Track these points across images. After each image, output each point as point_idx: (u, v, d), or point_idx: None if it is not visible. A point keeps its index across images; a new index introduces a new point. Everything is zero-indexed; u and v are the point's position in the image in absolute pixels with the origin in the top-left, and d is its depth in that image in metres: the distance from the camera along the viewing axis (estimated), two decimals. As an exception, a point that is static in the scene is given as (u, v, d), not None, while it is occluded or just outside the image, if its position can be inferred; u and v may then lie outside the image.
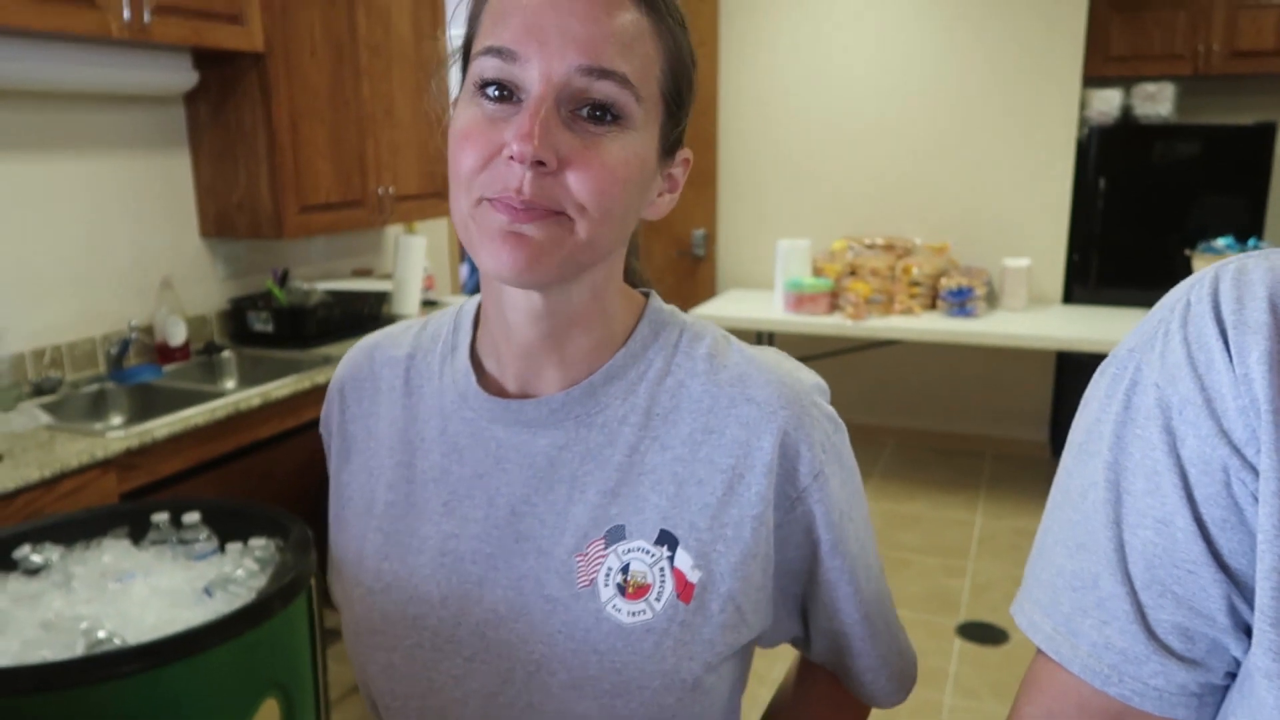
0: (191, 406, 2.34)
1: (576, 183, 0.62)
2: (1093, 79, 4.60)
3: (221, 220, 2.95)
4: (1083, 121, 4.47)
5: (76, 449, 2.06)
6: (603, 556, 0.69)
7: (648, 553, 0.69)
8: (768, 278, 4.69)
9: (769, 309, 4.26)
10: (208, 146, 2.92)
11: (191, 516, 1.56)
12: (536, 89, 0.62)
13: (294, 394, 2.56)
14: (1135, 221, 4.45)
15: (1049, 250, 4.41)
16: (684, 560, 0.68)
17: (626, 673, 0.67)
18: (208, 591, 1.43)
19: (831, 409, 0.75)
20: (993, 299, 4.31)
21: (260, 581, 1.44)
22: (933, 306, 4.17)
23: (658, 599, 0.68)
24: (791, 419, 0.70)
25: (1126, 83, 4.61)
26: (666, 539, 0.69)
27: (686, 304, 4.59)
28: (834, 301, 4.18)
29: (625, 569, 0.68)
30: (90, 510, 1.63)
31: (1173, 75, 4.58)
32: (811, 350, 4.65)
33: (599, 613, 0.68)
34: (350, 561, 0.78)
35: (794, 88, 4.63)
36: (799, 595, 0.76)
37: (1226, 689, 0.60)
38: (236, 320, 3.06)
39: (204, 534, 1.58)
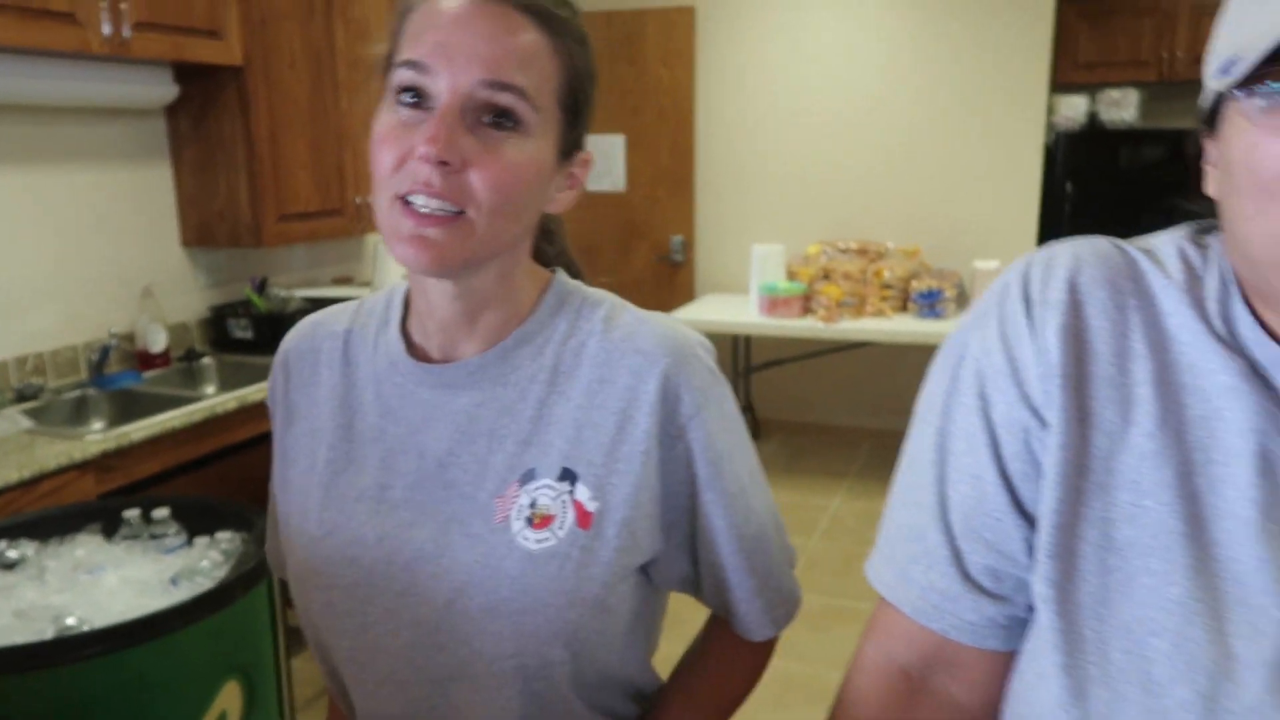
0: (170, 410, 2.42)
1: (477, 181, 0.72)
2: (1060, 85, 4.70)
3: (202, 230, 3.03)
4: (1050, 127, 4.57)
5: (55, 451, 2.13)
6: (516, 495, 0.78)
7: (552, 488, 0.78)
8: (744, 282, 4.78)
9: (745, 312, 4.34)
10: (188, 158, 3.00)
11: (161, 512, 1.64)
12: (444, 98, 0.71)
13: (271, 398, 2.64)
14: (1101, 224, 4.54)
15: (1018, 252, 4.49)
16: (583, 493, 0.78)
17: (534, 593, 0.76)
18: (174, 581, 1.50)
19: (715, 366, 0.85)
20: (963, 300, 4.39)
21: (225, 572, 1.52)
22: (904, 309, 4.26)
23: (561, 527, 0.77)
24: (672, 365, 0.80)
25: (1093, 89, 4.71)
26: (568, 475, 0.79)
27: (665, 307, 4.68)
28: (807, 304, 4.26)
29: (533, 504, 0.78)
30: (65, 507, 1.70)
31: (1138, 81, 4.69)
32: (786, 352, 4.74)
33: (511, 543, 0.77)
34: (295, 514, 0.87)
35: (768, 98, 4.72)
36: (688, 534, 0.84)
37: (1028, 621, 0.68)
38: (217, 327, 3.13)
39: (173, 529, 1.65)
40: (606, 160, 4.97)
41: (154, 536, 1.64)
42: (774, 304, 4.24)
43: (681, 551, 0.86)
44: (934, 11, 4.41)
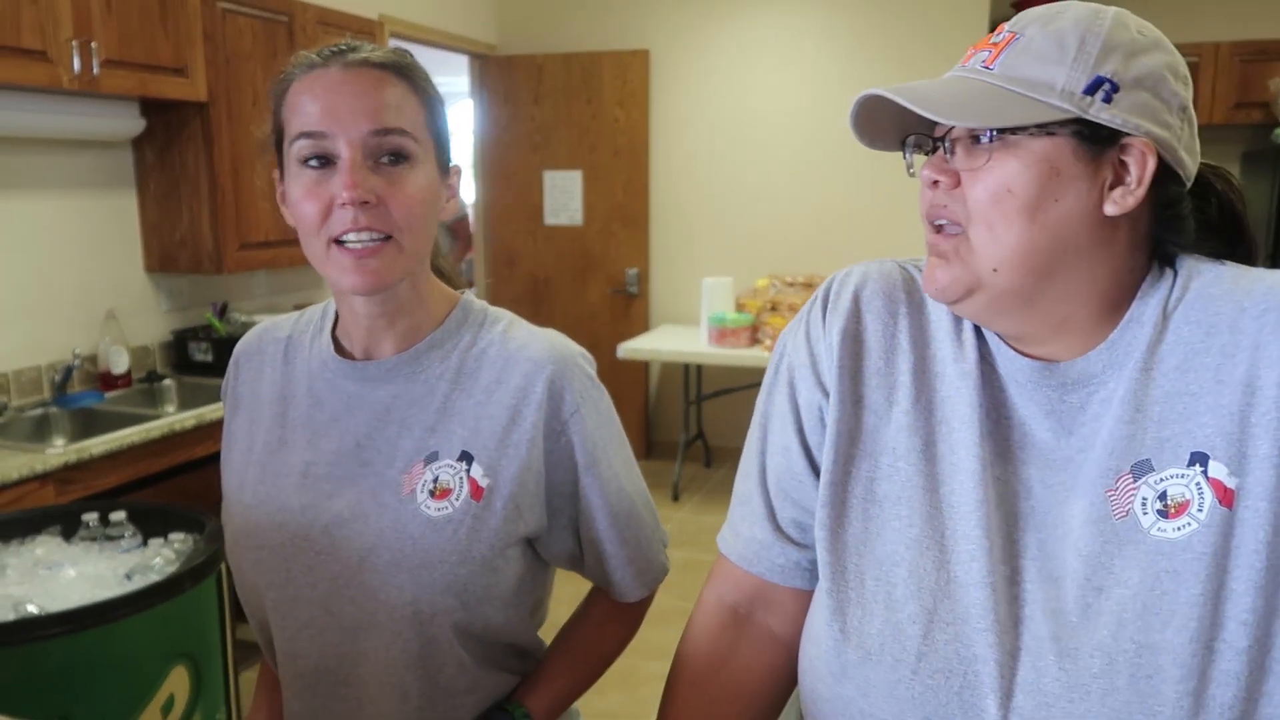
0: (130, 427, 2.53)
1: (394, 210, 0.90)
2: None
3: (165, 256, 3.15)
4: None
5: (17, 464, 2.24)
6: (421, 473, 0.94)
7: (452, 467, 0.94)
8: (696, 314, 4.95)
9: (696, 343, 4.51)
10: (153, 187, 3.13)
11: (118, 515, 1.75)
12: (346, 153, 0.88)
13: (228, 417, 2.75)
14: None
15: (957, 287, 4.70)
16: (477, 471, 0.94)
17: (432, 552, 0.92)
18: (128, 576, 1.62)
19: (594, 374, 1.02)
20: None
21: (175, 567, 1.63)
22: (847, 339, 4.43)
23: (457, 499, 0.93)
24: (557, 370, 0.97)
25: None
26: (466, 457, 0.95)
27: (621, 337, 4.84)
28: (755, 335, 4.44)
29: (436, 479, 0.94)
30: (26, 511, 1.81)
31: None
32: (735, 381, 4.91)
33: (415, 511, 0.93)
34: (233, 488, 1.02)
35: (719, 136, 4.93)
36: (572, 516, 1.00)
37: None
38: (178, 350, 3.24)
39: (129, 531, 1.77)
40: (565, 195, 5.14)
41: (110, 538, 1.75)
42: (723, 334, 4.41)
43: (567, 531, 1.01)
44: (879, 51, 4.64)
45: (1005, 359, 0.77)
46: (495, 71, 5.14)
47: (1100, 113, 0.68)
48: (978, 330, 0.79)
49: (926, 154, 0.77)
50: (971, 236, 0.72)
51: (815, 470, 0.84)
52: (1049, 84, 0.69)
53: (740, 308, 4.58)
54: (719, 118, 4.92)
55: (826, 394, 0.82)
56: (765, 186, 4.90)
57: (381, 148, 0.89)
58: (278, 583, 0.95)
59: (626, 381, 5.11)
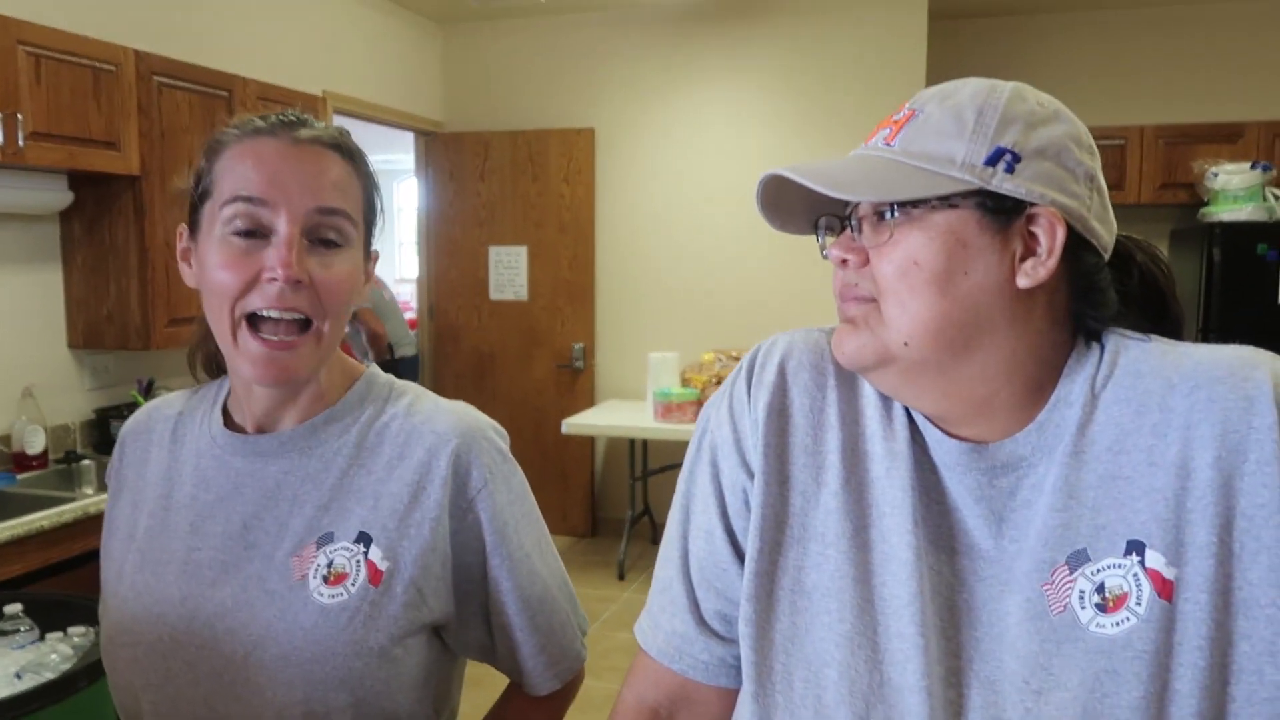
0: (39, 511, 2.40)
1: (322, 294, 0.85)
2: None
3: (90, 332, 3.05)
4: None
5: (-87, 552, 2.10)
6: (314, 556, 0.87)
7: (348, 549, 0.87)
8: (642, 388, 4.92)
9: (641, 417, 4.47)
10: (80, 261, 3.04)
11: (13, 608, 1.64)
12: (286, 228, 0.84)
13: (149, 499, 2.63)
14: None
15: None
16: (375, 553, 0.87)
17: (325, 643, 0.84)
18: (19, 675, 1.50)
19: (506, 449, 0.96)
20: (849, 407, 4.59)
21: (72, 664, 1.52)
22: (793, 414, 4.43)
23: (353, 584, 0.86)
24: (463, 444, 0.91)
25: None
26: (363, 538, 0.88)
27: (567, 412, 4.78)
28: (699, 410, 4.40)
29: (330, 563, 0.87)
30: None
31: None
32: (681, 457, 4.85)
33: (307, 599, 0.85)
34: (111, 579, 0.94)
35: (664, 212, 4.97)
36: (481, 602, 0.93)
37: None
38: (100, 429, 3.12)
39: (25, 625, 1.65)
40: (510, 271, 5.13)
41: (3, 633, 1.64)
42: (668, 409, 4.37)
43: (477, 619, 0.94)
44: (822, 130, 4.75)
45: (934, 439, 0.73)
46: (441, 148, 5.16)
47: (1002, 183, 0.67)
48: (907, 407, 0.75)
49: (836, 234, 0.76)
50: (883, 310, 0.70)
51: (740, 558, 0.78)
52: (949, 157, 0.68)
53: (686, 382, 4.56)
54: (664, 194, 4.97)
55: (751, 474, 0.77)
56: (710, 261, 4.94)
57: (322, 227, 0.86)
58: (155, 682, 0.87)
59: (572, 457, 5.04)
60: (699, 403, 4.39)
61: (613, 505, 5.14)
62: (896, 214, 0.69)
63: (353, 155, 0.90)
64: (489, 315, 5.18)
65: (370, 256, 0.96)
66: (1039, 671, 0.65)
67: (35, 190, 2.82)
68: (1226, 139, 4.62)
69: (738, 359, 4.76)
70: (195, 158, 0.91)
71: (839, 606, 0.71)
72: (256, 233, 0.84)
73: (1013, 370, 0.70)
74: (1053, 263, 0.68)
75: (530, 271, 5.10)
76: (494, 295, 5.15)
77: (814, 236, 0.79)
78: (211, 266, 0.85)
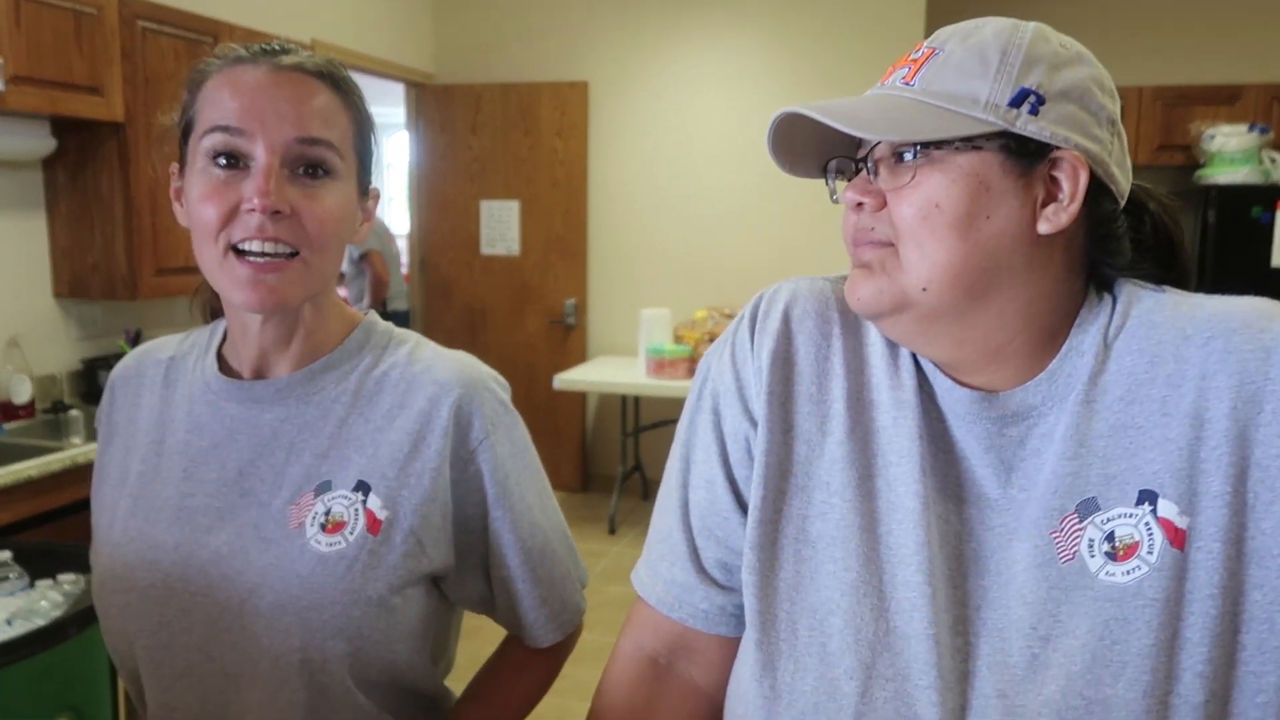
0: (27, 460, 2.38)
1: (307, 224, 0.82)
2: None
3: (76, 281, 3.00)
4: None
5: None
6: (311, 504, 0.86)
7: (346, 498, 0.86)
8: (634, 345, 4.91)
9: (633, 374, 4.46)
10: (65, 210, 2.99)
11: (2, 555, 1.63)
12: (264, 157, 0.81)
13: (138, 450, 2.61)
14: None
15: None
16: (374, 502, 0.86)
17: (322, 591, 0.83)
18: (9, 622, 1.50)
19: (507, 400, 0.95)
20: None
21: (63, 611, 1.52)
22: (785, 372, 4.43)
23: (351, 532, 0.85)
24: (465, 395, 0.89)
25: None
26: (362, 486, 0.86)
27: (558, 368, 4.77)
28: (693, 367, 4.40)
29: (328, 512, 0.85)
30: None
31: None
32: (672, 413, 4.86)
33: (304, 547, 0.84)
34: (103, 525, 0.92)
35: (658, 168, 4.92)
36: (482, 555, 0.92)
37: None
38: (88, 379, 3.09)
39: (15, 572, 1.64)
40: (502, 226, 5.08)
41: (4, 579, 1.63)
42: (661, 366, 4.37)
43: (477, 571, 0.93)
44: (817, 84, 4.69)
45: (943, 388, 0.72)
46: (432, 101, 5.08)
47: (1027, 125, 0.65)
48: (915, 355, 0.74)
49: (848, 178, 0.73)
50: (901, 254, 0.68)
51: (742, 507, 0.77)
52: (972, 97, 0.66)
53: (678, 339, 4.55)
54: (658, 149, 4.91)
55: (754, 422, 0.76)
56: (704, 218, 4.90)
57: (303, 158, 0.83)
58: (149, 628, 0.85)
59: (563, 413, 5.04)
60: (691, 359, 4.38)
61: (604, 461, 5.15)
62: (918, 155, 0.67)
63: (340, 84, 0.87)
64: (480, 271, 5.14)
65: (370, 194, 0.93)
66: (1046, 618, 0.65)
67: (17, 136, 2.76)
68: (1225, 101, 4.59)
69: (730, 316, 4.74)
70: (180, 92, 0.88)
71: (844, 555, 0.70)
72: (237, 163, 0.81)
73: (1028, 318, 0.69)
74: (1075, 208, 0.67)
75: (522, 227, 5.05)
76: (485, 250, 5.11)
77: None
78: (193, 200, 0.83)
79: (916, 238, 0.67)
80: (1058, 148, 0.66)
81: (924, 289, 0.67)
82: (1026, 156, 0.67)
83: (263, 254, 0.81)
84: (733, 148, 4.81)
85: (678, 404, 4.92)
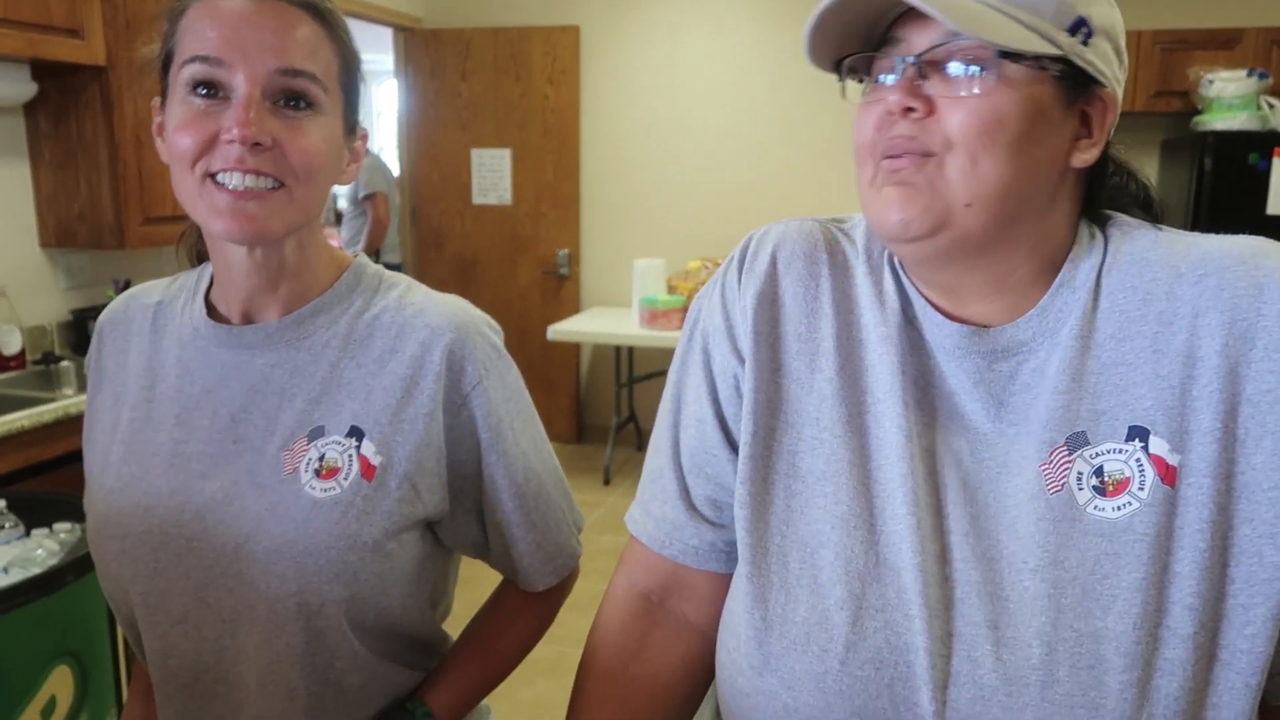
0: (19, 411, 2.37)
1: (291, 155, 0.80)
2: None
3: (62, 231, 2.96)
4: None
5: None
6: (305, 450, 0.85)
7: (340, 444, 0.85)
8: (627, 295, 4.89)
9: (627, 324, 4.45)
10: (48, 157, 2.94)
11: (17, 500, 1.63)
12: (244, 88, 0.79)
13: (130, 400, 2.60)
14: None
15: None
16: (369, 448, 0.85)
17: (317, 536, 0.83)
18: (5, 570, 1.50)
19: (500, 344, 0.94)
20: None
21: (59, 560, 1.52)
22: (778, 322, 4.42)
23: (345, 478, 0.84)
24: (457, 339, 0.88)
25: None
26: (355, 432, 0.85)
27: (551, 319, 4.75)
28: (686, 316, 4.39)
29: (322, 457, 0.85)
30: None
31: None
32: (666, 363, 4.85)
33: (299, 492, 0.84)
34: (96, 471, 0.92)
35: (651, 116, 4.86)
36: (475, 499, 0.92)
37: None
38: (78, 331, 3.06)
39: (10, 521, 1.64)
40: (494, 175, 5.02)
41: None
42: (654, 316, 4.35)
43: (470, 516, 0.93)
44: (806, 39, 4.62)
45: (932, 324, 0.72)
46: (421, 46, 4.99)
47: (1083, 54, 0.65)
48: (902, 293, 0.74)
49: (860, 80, 0.71)
50: (947, 166, 0.65)
51: (731, 444, 0.77)
52: (1038, 13, 0.64)
53: (672, 290, 4.53)
54: (651, 96, 4.85)
55: (743, 360, 0.76)
56: (697, 168, 4.85)
57: (285, 89, 0.80)
58: (145, 574, 0.85)
59: (557, 364, 5.03)
60: (684, 310, 4.37)
61: (598, 412, 5.16)
62: (988, 66, 0.64)
63: (325, 16, 0.84)
64: (472, 220, 5.09)
65: (357, 134, 0.90)
66: (1035, 550, 0.66)
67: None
68: (1223, 45, 4.53)
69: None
70: (160, 24, 0.85)
71: (835, 489, 0.71)
72: (217, 94, 0.79)
73: (1036, 248, 0.69)
74: (1100, 147, 0.67)
75: (514, 175, 5.00)
76: (477, 199, 5.06)
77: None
78: (171, 130, 0.81)
79: (971, 150, 0.64)
80: (1101, 84, 0.66)
81: (967, 205, 0.65)
82: (1076, 88, 0.66)
83: (244, 188, 0.79)
84: (727, 94, 4.74)
85: (671, 354, 4.86)
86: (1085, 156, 0.68)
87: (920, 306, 0.73)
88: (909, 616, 0.66)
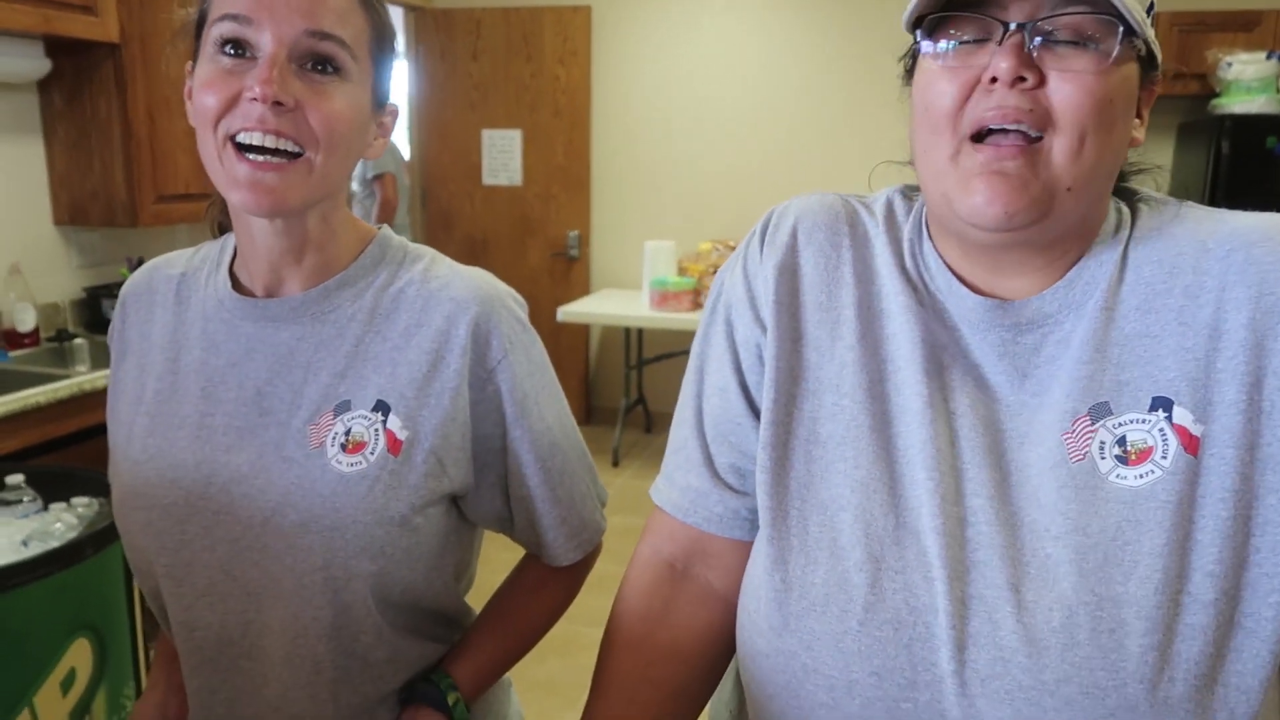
0: (35, 387, 2.38)
1: (313, 120, 0.79)
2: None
3: (75, 208, 2.97)
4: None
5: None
6: (331, 424, 0.85)
7: (366, 418, 0.85)
8: (637, 277, 4.88)
9: (637, 306, 4.44)
10: (62, 134, 2.93)
11: (15, 478, 1.63)
12: (270, 47, 0.78)
13: (144, 378, 2.61)
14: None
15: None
16: (394, 422, 0.85)
17: (344, 511, 0.82)
18: (25, 543, 1.50)
19: (525, 318, 0.94)
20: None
21: (78, 533, 1.52)
22: (789, 305, 4.41)
23: (372, 453, 0.84)
24: (482, 313, 0.88)
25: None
26: (381, 406, 0.85)
27: (561, 301, 4.75)
28: (697, 299, 4.39)
29: (348, 432, 0.84)
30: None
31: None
32: (676, 345, 4.86)
33: (325, 466, 0.83)
34: (120, 443, 0.91)
35: (662, 97, 4.83)
36: (500, 474, 0.92)
37: None
38: (91, 308, 3.07)
39: (28, 495, 1.65)
40: (504, 155, 5.01)
41: (6, 503, 1.63)
42: (664, 298, 4.35)
43: (495, 490, 0.93)
44: (829, 12, 4.59)
45: (956, 297, 0.72)
46: (431, 26, 4.96)
47: (1152, 38, 0.66)
48: (924, 266, 0.75)
49: (944, 46, 0.67)
50: (1054, 148, 0.64)
51: (754, 412, 0.78)
52: None
53: (682, 271, 4.52)
54: (662, 78, 4.82)
55: (765, 330, 0.77)
56: (709, 149, 4.83)
57: (312, 52, 0.79)
58: (171, 546, 0.85)
59: (567, 346, 5.03)
60: (695, 292, 4.36)
61: (607, 394, 5.16)
62: (1102, 41, 0.63)
63: None
64: (482, 201, 5.08)
65: (386, 109, 0.90)
66: (1058, 518, 0.66)
67: (9, 56, 2.70)
68: (1242, 27, 4.48)
69: (734, 248, 4.71)
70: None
71: (854, 454, 0.72)
72: (244, 53, 0.79)
73: (1081, 226, 0.70)
74: (1145, 127, 0.69)
75: (524, 157, 4.98)
76: (487, 180, 5.05)
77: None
78: (196, 90, 0.80)
79: (1080, 130, 0.63)
80: (1155, 69, 0.67)
81: (1069, 189, 0.64)
82: (1147, 69, 0.67)
83: (263, 148, 0.78)
84: (737, 75, 4.71)
85: (681, 336, 4.93)
86: (1138, 136, 0.69)
87: (944, 280, 0.73)
88: (929, 579, 0.67)
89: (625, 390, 4.82)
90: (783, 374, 0.75)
